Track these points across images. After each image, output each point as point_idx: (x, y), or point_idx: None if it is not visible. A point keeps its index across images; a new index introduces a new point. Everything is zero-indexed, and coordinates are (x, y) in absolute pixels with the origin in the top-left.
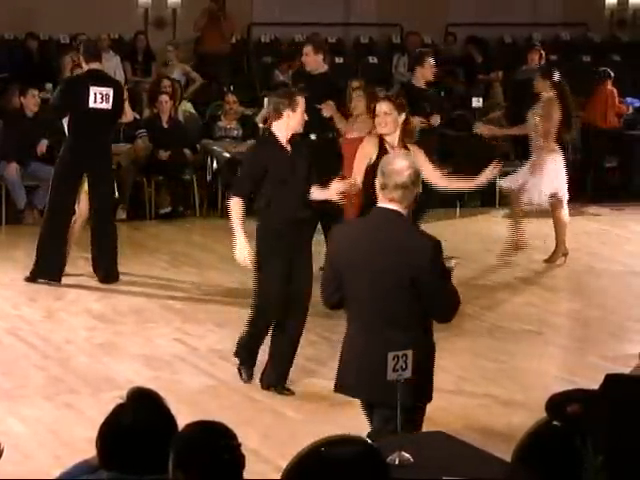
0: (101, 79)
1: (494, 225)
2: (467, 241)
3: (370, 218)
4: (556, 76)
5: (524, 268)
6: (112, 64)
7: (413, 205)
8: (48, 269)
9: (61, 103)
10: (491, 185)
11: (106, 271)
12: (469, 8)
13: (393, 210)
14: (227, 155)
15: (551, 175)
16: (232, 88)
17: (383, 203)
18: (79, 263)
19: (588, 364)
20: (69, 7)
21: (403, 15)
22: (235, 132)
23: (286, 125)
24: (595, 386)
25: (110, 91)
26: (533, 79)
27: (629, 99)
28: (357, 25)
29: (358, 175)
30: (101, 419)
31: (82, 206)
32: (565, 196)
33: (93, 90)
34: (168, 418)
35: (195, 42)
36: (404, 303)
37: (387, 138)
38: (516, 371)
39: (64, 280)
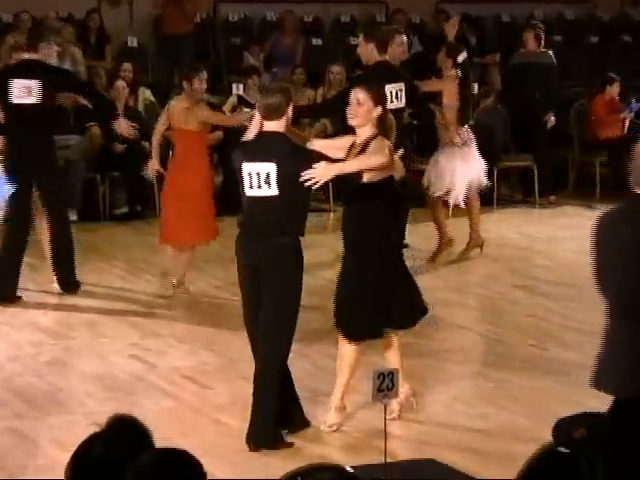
0: (28, 70)
1: (487, 225)
2: (461, 243)
3: (623, 204)
4: (462, 57)
5: (525, 275)
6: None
7: None
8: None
9: None
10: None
11: (67, 279)
12: None
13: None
14: None
15: (459, 165)
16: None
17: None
18: (22, 270)
19: None
20: None
21: None
22: None
23: (285, 124)
24: (606, 408)
25: (35, 83)
26: (531, 63)
27: (633, 103)
28: (337, 2)
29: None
30: (49, 446)
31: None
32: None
33: (16, 84)
34: (146, 449)
35: (155, 22)
36: None
37: (357, 132)
38: (517, 391)
39: None
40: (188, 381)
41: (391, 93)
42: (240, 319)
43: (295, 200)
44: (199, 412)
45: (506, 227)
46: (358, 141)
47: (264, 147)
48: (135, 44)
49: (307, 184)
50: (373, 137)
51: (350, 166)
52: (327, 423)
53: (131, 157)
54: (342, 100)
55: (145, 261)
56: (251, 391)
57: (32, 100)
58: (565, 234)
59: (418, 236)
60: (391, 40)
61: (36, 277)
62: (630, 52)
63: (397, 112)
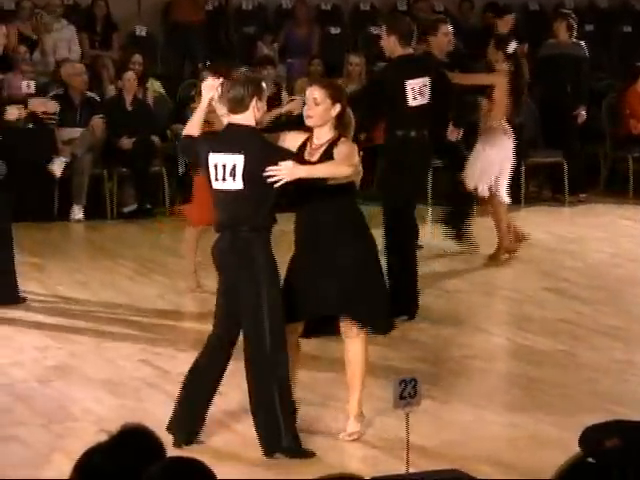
0: None
1: (523, 224)
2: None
3: None
4: (511, 47)
5: (554, 277)
6: (66, 35)
7: None
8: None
9: None
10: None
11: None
12: None
13: None
14: None
15: (491, 159)
16: (208, 64)
17: None
18: (26, 270)
19: (631, 391)
20: None
21: None
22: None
23: (254, 118)
24: (638, 417)
25: None
26: (562, 54)
27: None
28: None
29: None
30: (53, 455)
31: None
32: (501, 186)
33: None
34: (157, 459)
35: (164, 10)
36: None
37: (315, 132)
38: (546, 398)
39: None
40: None
41: (413, 89)
42: None
43: (261, 195)
44: (211, 419)
45: (534, 226)
46: (317, 142)
47: (232, 139)
48: (144, 33)
49: (270, 180)
50: (336, 139)
51: (319, 171)
52: (347, 431)
53: (139, 152)
54: (368, 94)
55: (154, 261)
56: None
57: None
58: (597, 234)
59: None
60: (436, 30)
61: (41, 278)
62: None
63: (420, 109)
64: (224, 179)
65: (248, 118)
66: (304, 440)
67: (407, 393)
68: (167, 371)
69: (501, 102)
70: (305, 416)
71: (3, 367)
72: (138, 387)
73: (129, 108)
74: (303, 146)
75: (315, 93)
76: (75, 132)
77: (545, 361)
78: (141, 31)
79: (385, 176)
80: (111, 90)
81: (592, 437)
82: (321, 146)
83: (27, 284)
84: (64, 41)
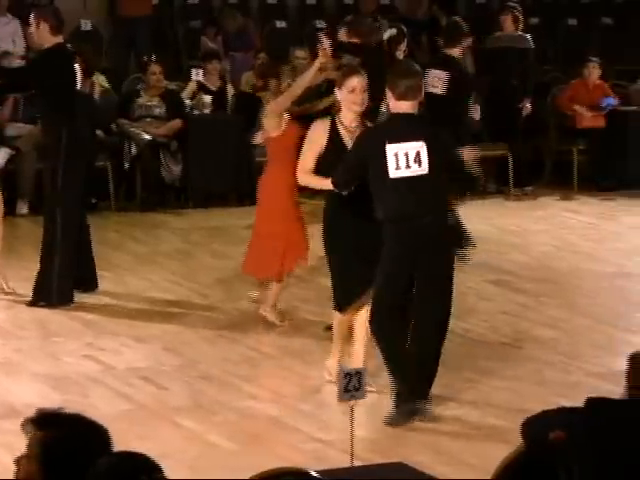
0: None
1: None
2: None
3: None
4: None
5: (498, 269)
6: (10, 29)
7: None
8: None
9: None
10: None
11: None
12: None
13: None
14: (148, 137)
15: None
16: (153, 57)
17: None
18: None
19: (574, 383)
20: None
21: None
22: (157, 110)
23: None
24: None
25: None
26: (508, 47)
27: (607, 100)
28: None
29: (302, 171)
30: None
31: None
32: None
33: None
34: (101, 433)
35: (109, 4)
36: None
37: (349, 116)
38: (489, 390)
39: None
40: (145, 382)
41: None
42: (200, 318)
43: (442, 179)
44: (157, 414)
45: (478, 220)
46: (354, 126)
47: (407, 127)
48: (89, 27)
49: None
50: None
51: None
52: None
53: None
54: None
55: (98, 256)
56: (210, 392)
57: None
58: (541, 227)
59: None
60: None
61: None
62: (611, 36)
63: None
64: (408, 166)
65: (415, 106)
66: (252, 429)
67: (352, 386)
68: (111, 366)
69: None
70: (254, 410)
71: None
72: (82, 383)
73: None
74: (334, 131)
75: (363, 82)
76: (18, 128)
77: (489, 354)
78: (86, 25)
79: None
80: None
81: (535, 429)
82: (355, 130)
83: None
84: (8, 36)
